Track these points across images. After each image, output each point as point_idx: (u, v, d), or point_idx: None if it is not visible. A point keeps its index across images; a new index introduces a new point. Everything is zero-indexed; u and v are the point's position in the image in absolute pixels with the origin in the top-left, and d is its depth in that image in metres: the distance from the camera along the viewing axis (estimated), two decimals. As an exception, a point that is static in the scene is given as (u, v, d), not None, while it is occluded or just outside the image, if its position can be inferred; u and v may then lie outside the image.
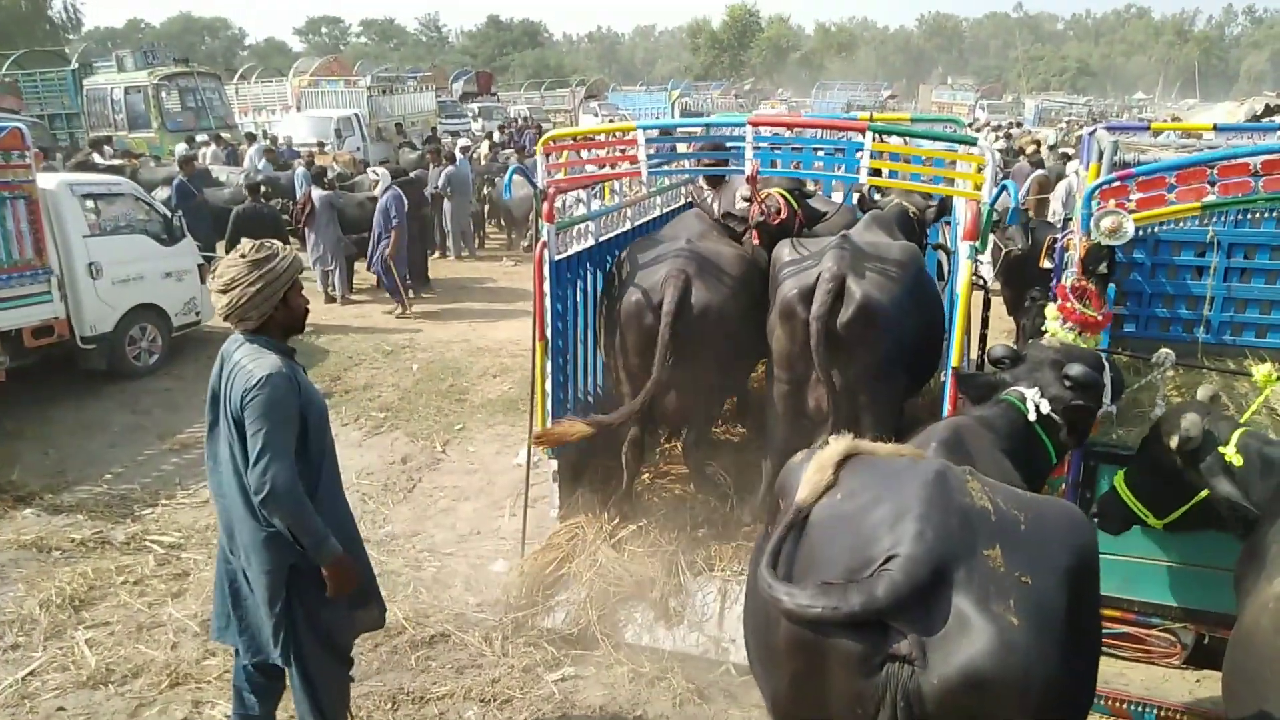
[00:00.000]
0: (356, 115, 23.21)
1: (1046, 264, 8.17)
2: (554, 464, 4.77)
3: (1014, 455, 3.07)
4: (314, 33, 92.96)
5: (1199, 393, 3.56)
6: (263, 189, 13.14)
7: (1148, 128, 6.39)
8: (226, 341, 3.34)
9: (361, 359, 10.27)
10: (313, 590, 3.25)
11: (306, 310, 3.39)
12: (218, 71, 24.97)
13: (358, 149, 23.01)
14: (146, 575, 5.34)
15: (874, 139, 3.78)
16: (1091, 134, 6.37)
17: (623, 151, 4.12)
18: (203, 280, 10.31)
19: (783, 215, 4.33)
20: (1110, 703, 4.00)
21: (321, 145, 20.54)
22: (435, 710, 4.22)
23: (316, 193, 12.05)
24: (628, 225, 5.41)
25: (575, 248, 4.79)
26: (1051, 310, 3.67)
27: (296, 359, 3.33)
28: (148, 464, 7.57)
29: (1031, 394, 3.21)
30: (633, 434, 4.82)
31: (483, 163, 18.47)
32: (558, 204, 4.50)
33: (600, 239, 5.07)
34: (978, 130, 31.69)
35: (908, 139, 4.09)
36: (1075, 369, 3.24)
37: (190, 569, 5.44)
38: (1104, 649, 4.02)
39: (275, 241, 3.25)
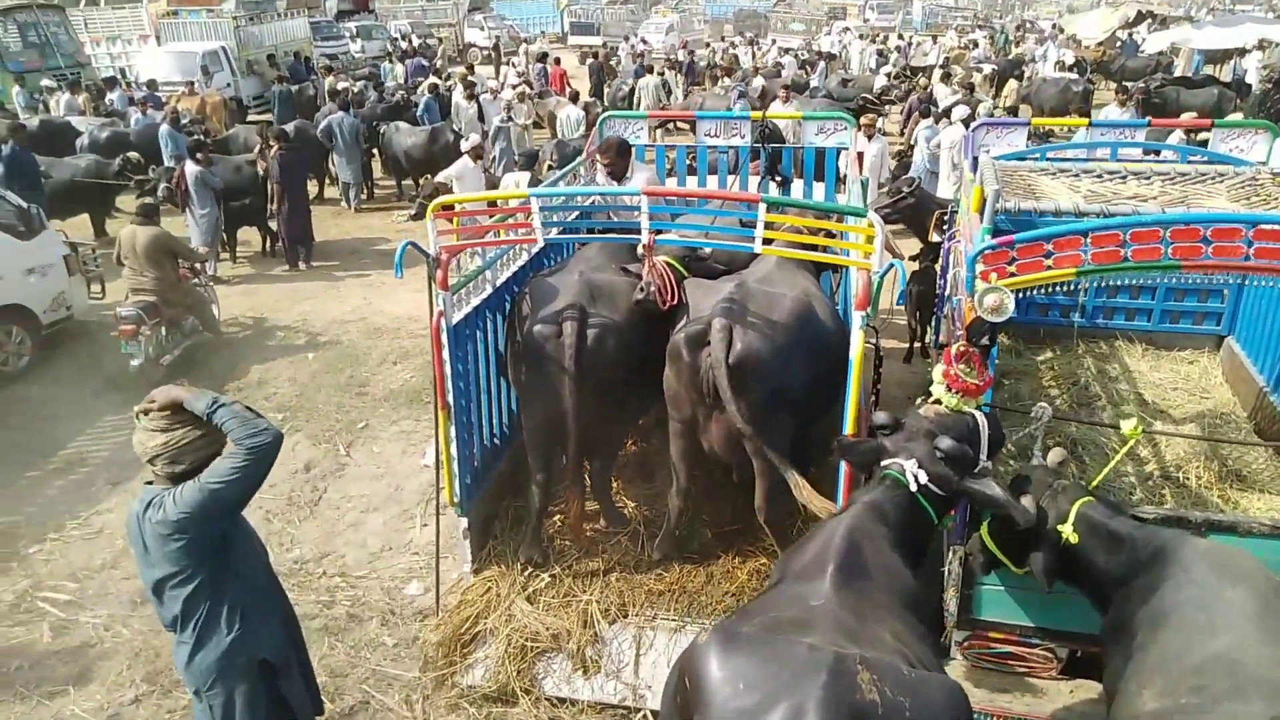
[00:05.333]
0: (224, 49, 21.60)
1: (936, 237, 8.42)
2: (464, 522, 4.77)
3: (903, 540, 3.28)
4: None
5: (1050, 458, 3.81)
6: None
7: (1028, 124, 6.57)
8: (134, 505, 3.21)
9: (252, 349, 9.89)
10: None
11: None
12: (60, 1, 22.65)
13: (228, 85, 21.54)
14: (42, 654, 5.14)
15: (766, 210, 3.78)
16: (976, 129, 6.51)
17: (517, 218, 4.01)
18: (70, 272, 9.65)
19: (670, 300, 4.37)
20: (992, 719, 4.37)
21: (191, 85, 19.07)
22: (362, 780, 4.29)
23: (190, 169, 11.21)
24: (524, 258, 5.30)
25: (473, 301, 4.69)
26: (938, 374, 3.82)
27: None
28: (30, 490, 7.20)
29: (910, 465, 3.41)
30: (538, 479, 4.86)
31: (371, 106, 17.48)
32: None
33: (498, 283, 4.97)
34: (873, 42, 31.69)
35: (801, 211, 4.11)
36: (945, 443, 3.44)
37: (91, 639, 5.26)
38: (991, 666, 4.38)
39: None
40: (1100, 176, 5.05)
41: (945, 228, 7.24)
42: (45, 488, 7.27)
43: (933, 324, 7.92)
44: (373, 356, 9.54)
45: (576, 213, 4.77)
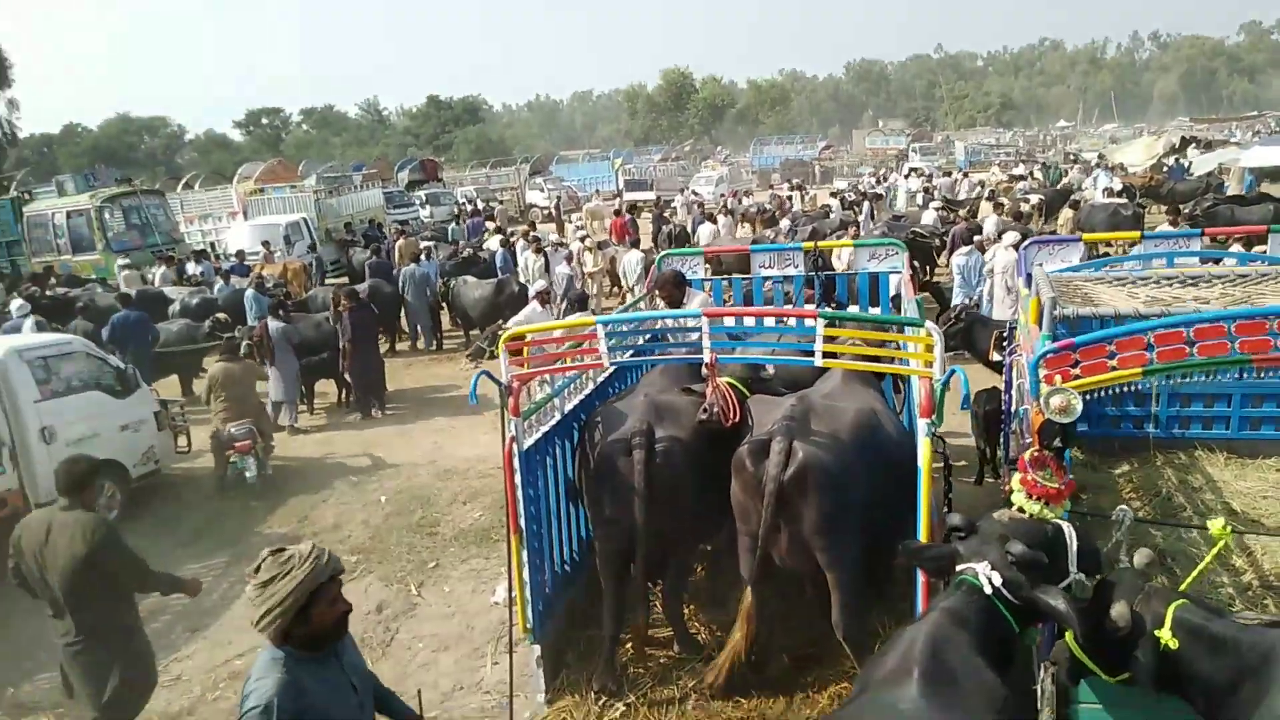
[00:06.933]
0: (304, 220, 23.21)
1: (996, 356, 8.42)
2: (536, 650, 4.75)
3: (985, 648, 3.18)
4: (254, 125, 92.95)
5: (1136, 559, 3.67)
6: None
7: (1079, 239, 6.67)
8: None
9: (329, 493, 10.14)
10: None
11: (339, 619, 3.08)
12: (159, 182, 24.94)
13: (309, 251, 23.01)
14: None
15: (824, 325, 3.91)
16: (1028, 247, 6.63)
17: (583, 345, 4.22)
18: (160, 427, 10.16)
19: (733, 418, 4.50)
20: None
21: (268, 246, 20.58)
22: None
23: (273, 324, 11.95)
24: (590, 386, 5.49)
25: (543, 428, 4.85)
26: (1016, 482, 3.78)
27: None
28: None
29: (983, 569, 3.33)
30: (611, 603, 4.84)
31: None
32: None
33: (566, 410, 5.14)
34: (920, 177, 32.63)
35: (859, 324, 4.24)
36: (1016, 548, 3.36)
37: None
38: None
39: (295, 552, 2.98)
40: (1158, 283, 5.09)
41: (1005, 345, 7.26)
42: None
43: (1001, 441, 7.81)
44: (443, 497, 9.69)
45: (640, 339, 4.97)
